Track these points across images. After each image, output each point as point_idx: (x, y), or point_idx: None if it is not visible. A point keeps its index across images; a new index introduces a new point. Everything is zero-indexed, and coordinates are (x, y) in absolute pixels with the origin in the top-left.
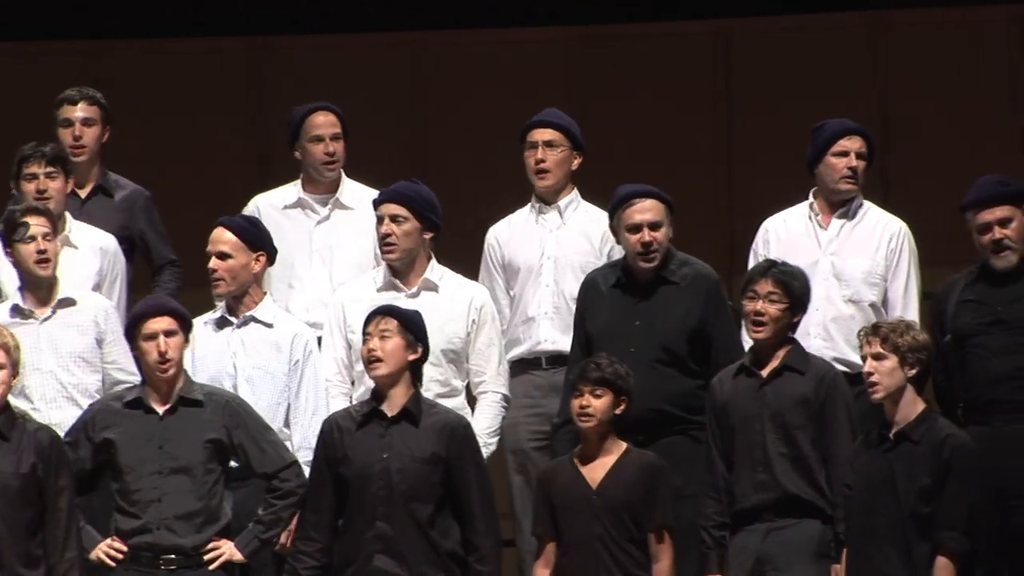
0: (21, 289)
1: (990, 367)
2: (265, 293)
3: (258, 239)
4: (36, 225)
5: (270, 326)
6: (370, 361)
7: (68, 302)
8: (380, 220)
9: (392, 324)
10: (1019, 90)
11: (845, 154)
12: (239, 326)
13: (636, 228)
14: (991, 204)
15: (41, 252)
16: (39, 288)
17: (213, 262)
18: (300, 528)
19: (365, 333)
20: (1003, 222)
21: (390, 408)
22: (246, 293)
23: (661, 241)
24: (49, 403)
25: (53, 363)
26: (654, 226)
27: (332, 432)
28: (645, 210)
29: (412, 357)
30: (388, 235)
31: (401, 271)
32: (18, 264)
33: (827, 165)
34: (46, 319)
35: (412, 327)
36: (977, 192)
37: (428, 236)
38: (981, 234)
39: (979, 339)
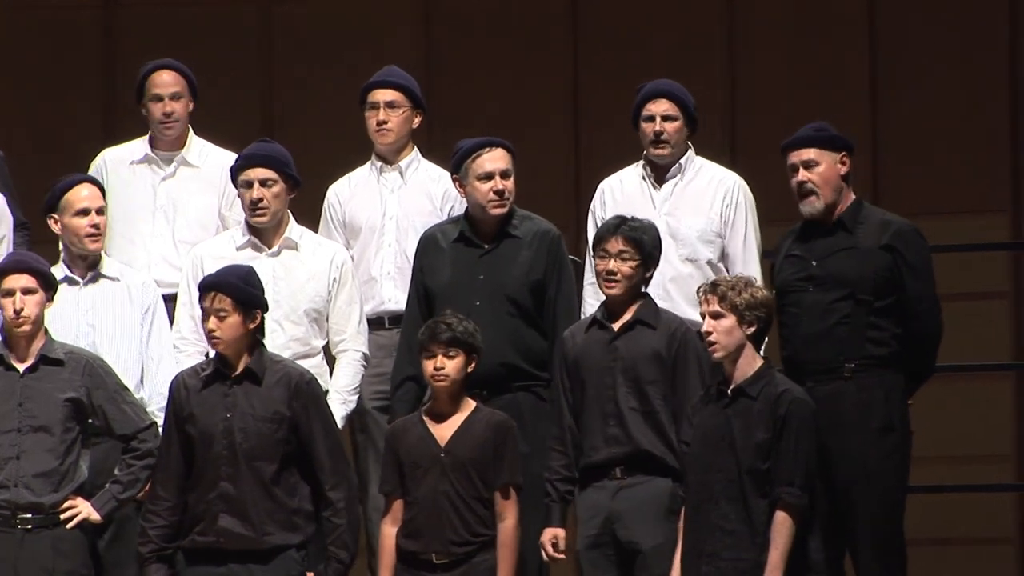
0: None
1: (800, 326)
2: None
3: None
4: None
5: (117, 280)
6: (211, 339)
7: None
8: (248, 184)
9: (227, 303)
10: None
11: (651, 119)
12: (87, 283)
13: (488, 176)
14: (799, 147)
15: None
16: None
17: (93, 217)
18: (151, 487)
19: (202, 306)
20: (808, 164)
21: (233, 369)
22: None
23: (512, 190)
24: None
25: None
26: (505, 174)
27: (179, 390)
28: (497, 159)
29: (252, 326)
30: (260, 200)
31: (264, 230)
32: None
33: (640, 130)
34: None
35: (246, 298)
36: (792, 136)
37: (291, 195)
38: (791, 177)
39: (794, 296)
